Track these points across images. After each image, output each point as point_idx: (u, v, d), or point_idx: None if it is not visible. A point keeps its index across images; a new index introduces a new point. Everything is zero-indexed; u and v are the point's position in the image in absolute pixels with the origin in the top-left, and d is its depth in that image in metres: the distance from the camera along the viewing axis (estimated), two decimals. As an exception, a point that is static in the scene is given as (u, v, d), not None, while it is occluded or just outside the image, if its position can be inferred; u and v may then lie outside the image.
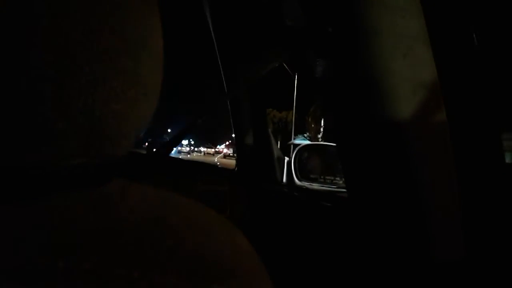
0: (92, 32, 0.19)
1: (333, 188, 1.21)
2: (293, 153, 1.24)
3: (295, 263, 0.92)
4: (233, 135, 1.35)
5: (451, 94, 0.48)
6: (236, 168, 1.34)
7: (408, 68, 0.46)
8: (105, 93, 0.20)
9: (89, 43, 0.19)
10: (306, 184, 1.22)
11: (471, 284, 0.48)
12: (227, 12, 1.22)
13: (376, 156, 0.51)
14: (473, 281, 0.48)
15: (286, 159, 1.26)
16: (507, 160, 0.49)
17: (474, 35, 0.48)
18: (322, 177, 1.29)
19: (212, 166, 1.58)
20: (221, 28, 1.24)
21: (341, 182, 1.24)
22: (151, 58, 0.23)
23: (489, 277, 0.48)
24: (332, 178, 1.30)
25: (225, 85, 1.30)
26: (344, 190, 0.89)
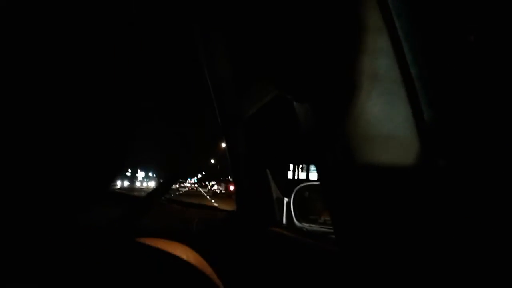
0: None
1: (331, 229, 1.17)
2: (292, 193, 1.22)
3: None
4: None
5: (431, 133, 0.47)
6: (236, 210, 1.30)
7: (384, 108, 0.47)
8: None
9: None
10: (305, 225, 1.18)
11: None
12: (221, 47, 1.24)
13: (356, 198, 0.50)
14: None
15: (286, 199, 1.23)
16: None
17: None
18: (322, 218, 1.25)
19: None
20: (215, 65, 1.25)
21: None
22: None
23: None
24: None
25: (220, 122, 1.28)
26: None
